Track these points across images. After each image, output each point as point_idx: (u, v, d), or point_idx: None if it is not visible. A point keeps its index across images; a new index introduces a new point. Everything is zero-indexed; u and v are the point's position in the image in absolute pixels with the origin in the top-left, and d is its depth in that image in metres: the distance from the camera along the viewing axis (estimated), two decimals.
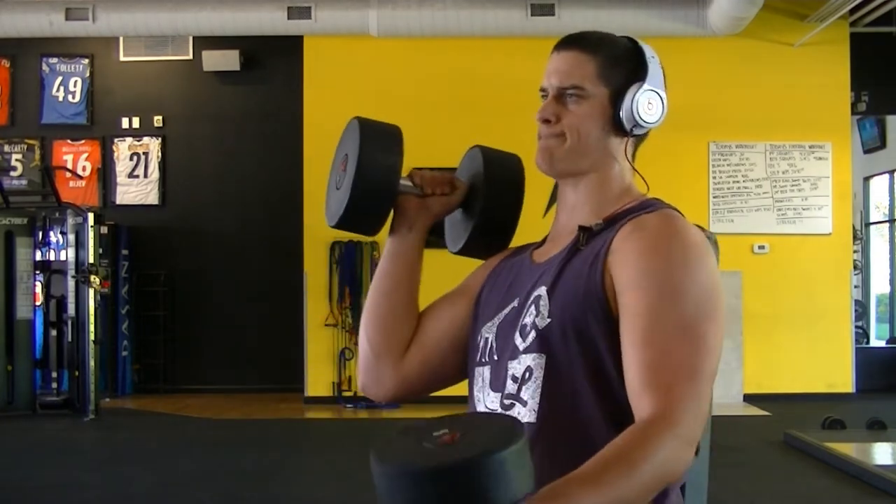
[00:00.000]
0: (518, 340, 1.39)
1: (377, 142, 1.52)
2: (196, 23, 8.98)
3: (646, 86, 1.44)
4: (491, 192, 1.58)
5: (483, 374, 1.45)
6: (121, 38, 10.11)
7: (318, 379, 9.32)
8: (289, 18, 8.89)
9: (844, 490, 5.62)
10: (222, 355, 10.16)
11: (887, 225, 12.32)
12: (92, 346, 8.38)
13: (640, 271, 1.31)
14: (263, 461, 6.51)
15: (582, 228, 1.42)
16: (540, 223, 1.67)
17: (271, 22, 8.94)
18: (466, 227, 1.62)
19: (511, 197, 1.60)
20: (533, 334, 1.37)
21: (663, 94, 1.46)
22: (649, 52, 1.48)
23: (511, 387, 1.37)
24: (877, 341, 12.00)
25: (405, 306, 1.57)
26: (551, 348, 1.34)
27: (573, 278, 1.37)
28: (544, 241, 1.54)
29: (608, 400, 1.31)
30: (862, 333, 11.23)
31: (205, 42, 9.99)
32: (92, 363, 8.34)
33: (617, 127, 1.45)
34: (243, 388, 9.97)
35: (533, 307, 1.39)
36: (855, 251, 10.75)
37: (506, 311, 1.46)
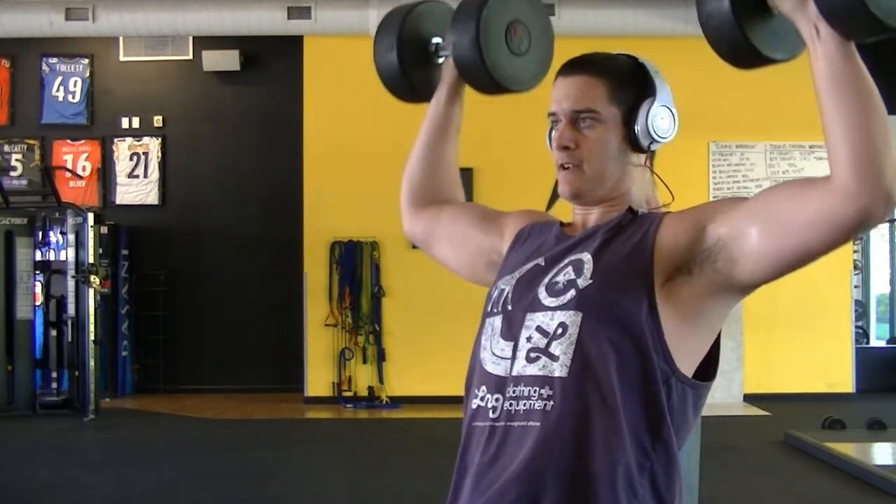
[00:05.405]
0: (543, 295, 1.45)
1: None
2: (196, 23, 8.98)
3: (657, 102, 1.51)
4: (451, 36, 1.74)
5: (493, 323, 1.50)
6: (121, 38, 10.11)
7: (318, 379, 9.32)
8: (289, 18, 8.89)
9: (844, 490, 5.62)
10: (222, 355, 10.16)
11: (887, 225, 12.31)
12: (92, 346, 8.39)
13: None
14: (263, 461, 6.51)
15: (630, 209, 1.50)
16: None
17: (271, 22, 8.93)
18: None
19: (466, 36, 1.70)
20: (572, 293, 1.43)
21: (674, 109, 1.53)
22: (652, 67, 1.56)
23: (539, 340, 1.42)
24: (877, 341, 11.99)
25: (436, 153, 1.90)
26: (589, 306, 1.40)
27: (620, 246, 1.45)
28: (569, 224, 1.60)
29: (638, 356, 1.37)
30: (862, 333, 11.23)
31: (205, 42, 9.98)
32: (92, 363, 8.35)
33: (633, 145, 1.51)
34: (243, 388, 9.96)
35: (570, 268, 1.46)
36: (855, 251, 10.74)
37: (528, 266, 1.52)
